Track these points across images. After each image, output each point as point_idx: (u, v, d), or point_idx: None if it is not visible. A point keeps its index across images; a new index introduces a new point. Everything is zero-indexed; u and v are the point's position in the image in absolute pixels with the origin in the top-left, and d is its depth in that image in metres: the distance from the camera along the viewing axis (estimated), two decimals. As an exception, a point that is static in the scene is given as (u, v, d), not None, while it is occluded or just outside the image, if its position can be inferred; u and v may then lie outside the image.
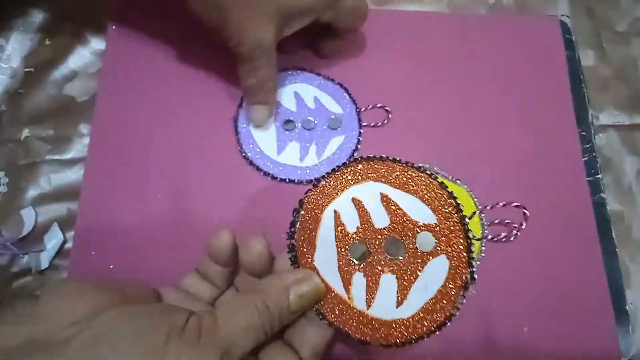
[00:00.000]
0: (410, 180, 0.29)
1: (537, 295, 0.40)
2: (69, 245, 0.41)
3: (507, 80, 0.46)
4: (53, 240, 0.40)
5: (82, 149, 0.43)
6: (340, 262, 0.28)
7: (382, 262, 0.28)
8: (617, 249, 0.42)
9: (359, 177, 0.29)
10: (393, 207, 0.29)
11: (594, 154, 0.44)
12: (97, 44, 0.46)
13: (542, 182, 0.43)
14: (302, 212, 0.29)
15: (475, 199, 0.41)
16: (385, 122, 0.44)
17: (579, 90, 0.46)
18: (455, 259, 0.28)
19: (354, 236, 0.28)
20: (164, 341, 0.23)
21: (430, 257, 0.28)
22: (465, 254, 0.27)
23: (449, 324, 0.27)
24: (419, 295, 0.27)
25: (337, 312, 0.27)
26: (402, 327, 0.27)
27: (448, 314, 0.27)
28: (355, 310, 0.27)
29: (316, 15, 0.38)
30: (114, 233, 0.39)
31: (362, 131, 0.43)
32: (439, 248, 0.28)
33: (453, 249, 0.28)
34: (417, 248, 0.28)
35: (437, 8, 0.50)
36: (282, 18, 0.36)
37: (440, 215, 0.28)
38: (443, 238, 0.28)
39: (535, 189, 0.42)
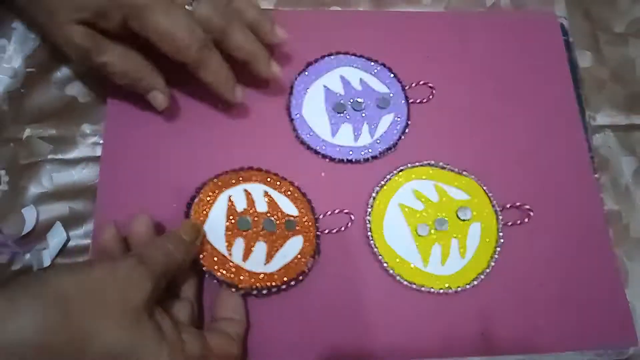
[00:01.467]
0: (282, 187, 0.41)
1: (550, 288, 0.40)
2: (71, 244, 0.41)
3: (508, 77, 0.47)
4: (56, 238, 0.40)
5: (85, 149, 0.43)
6: (227, 229, 0.39)
7: (259, 234, 0.39)
8: (613, 249, 0.42)
9: (250, 177, 0.41)
10: (271, 200, 0.40)
11: (591, 154, 0.45)
12: (98, 44, 0.46)
13: (549, 180, 0.43)
14: (202, 193, 0.40)
15: (484, 187, 0.42)
16: (431, 97, 0.45)
17: (576, 91, 0.47)
18: (307, 238, 0.40)
19: (241, 213, 0.39)
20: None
21: (291, 236, 0.39)
22: (313, 236, 0.40)
23: (297, 282, 0.38)
24: (280, 259, 0.38)
25: (215, 264, 0.37)
26: (266, 277, 0.38)
27: (299, 272, 0.38)
28: (231, 263, 0.38)
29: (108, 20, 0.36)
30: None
31: (410, 108, 0.45)
32: (297, 230, 0.40)
33: (307, 232, 0.40)
34: (283, 228, 0.39)
35: (435, 9, 0.50)
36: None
37: (300, 211, 0.40)
38: (300, 225, 0.40)
39: (541, 188, 0.43)
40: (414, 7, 0.50)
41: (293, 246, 0.39)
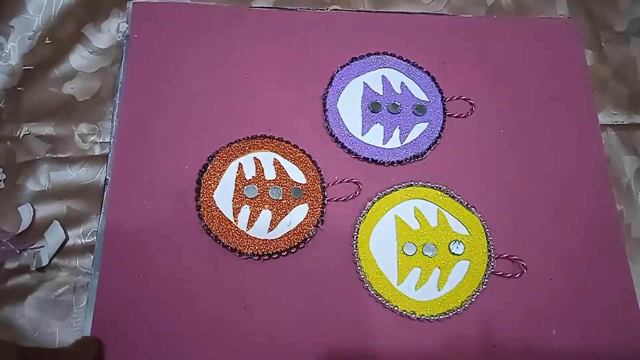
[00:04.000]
0: (293, 154, 0.42)
1: (565, 296, 0.40)
2: (70, 243, 0.40)
3: (527, 83, 0.46)
4: (54, 238, 0.40)
5: (83, 148, 0.43)
6: (234, 196, 0.40)
7: (265, 202, 0.40)
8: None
9: (262, 146, 0.42)
10: (280, 168, 0.41)
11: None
12: (97, 43, 0.46)
13: (566, 184, 0.43)
14: (214, 160, 0.41)
15: (487, 229, 0.41)
16: (469, 114, 0.44)
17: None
18: (313, 206, 0.40)
19: (250, 181, 0.41)
20: None
21: (297, 204, 0.40)
22: (320, 205, 0.40)
23: (300, 247, 0.39)
24: (283, 227, 0.40)
25: (221, 230, 0.39)
26: (268, 244, 0.39)
27: (300, 241, 0.39)
28: (237, 229, 0.39)
29: None
30: (142, 241, 0.39)
31: (445, 120, 0.44)
32: (303, 198, 0.41)
33: (313, 200, 0.41)
34: (290, 196, 0.40)
35: (435, 9, 0.50)
36: None
37: (308, 179, 0.41)
38: (307, 193, 0.41)
39: (558, 191, 0.43)
40: (414, 7, 0.50)
41: (298, 214, 0.40)
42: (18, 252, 0.39)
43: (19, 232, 0.40)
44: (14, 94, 0.44)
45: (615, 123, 0.47)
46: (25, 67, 0.45)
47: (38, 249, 0.39)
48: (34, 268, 0.39)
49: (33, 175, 0.42)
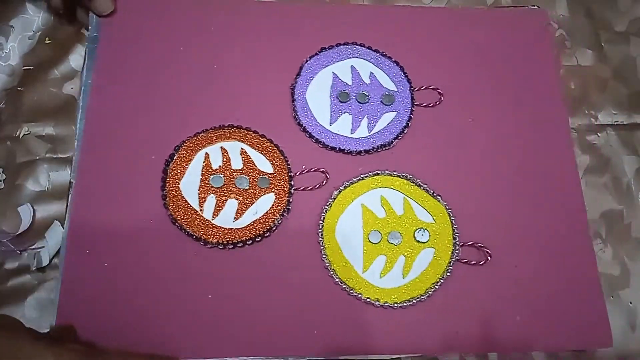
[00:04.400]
0: (260, 144, 0.42)
1: (529, 283, 0.40)
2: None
3: (496, 73, 0.46)
4: (54, 237, 0.40)
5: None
6: (200, 186, 0.40)
7: (231, 191, 0.40)
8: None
9: (229, 135, 0.42)
10: (247, 158, 0.42)
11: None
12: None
13: (534, 175, 0.43)
14: (181, 150, 0.41)
15: (453, 218, 0.41)
16: (438, 103, 0.45)
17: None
18: (279, 196, 0.41)
19: (216, 170, 0.41)
20: None
21: (263, 193, 0.41)
22: (286, 194, 0.41)
23: (265, 236, 0.40)
24: (249, 216, 0.40)
25: (187, 220, 0.39)
26: (233, 233, 0.39)
27: (266, 229, 0.40)
28: (202, 219, 0.40)
29: None
30: (108, 231, 0.39)
31: (413, 109, 0.44)
32: (270, 187, 0.41)
33: (279, 189, 0.41)
34: (256, 185, 0.41)
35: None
36: None
37: (275, 168, 0.41)
38: (274, 182, 0.41)
39: (525, 179, 0.43)
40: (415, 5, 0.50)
41: (264, 203, 0.41)
42: (18, 252, 0.39)
43: (19, 232, 0.40)
44: (14, 94, 0.44)
45: (615, 123, 0.47)
46: (25, 67, 0.45)
47: (38, 249, 0.39)
48: (34, 268, 0.39)
49: (33, 175, 0.42)
